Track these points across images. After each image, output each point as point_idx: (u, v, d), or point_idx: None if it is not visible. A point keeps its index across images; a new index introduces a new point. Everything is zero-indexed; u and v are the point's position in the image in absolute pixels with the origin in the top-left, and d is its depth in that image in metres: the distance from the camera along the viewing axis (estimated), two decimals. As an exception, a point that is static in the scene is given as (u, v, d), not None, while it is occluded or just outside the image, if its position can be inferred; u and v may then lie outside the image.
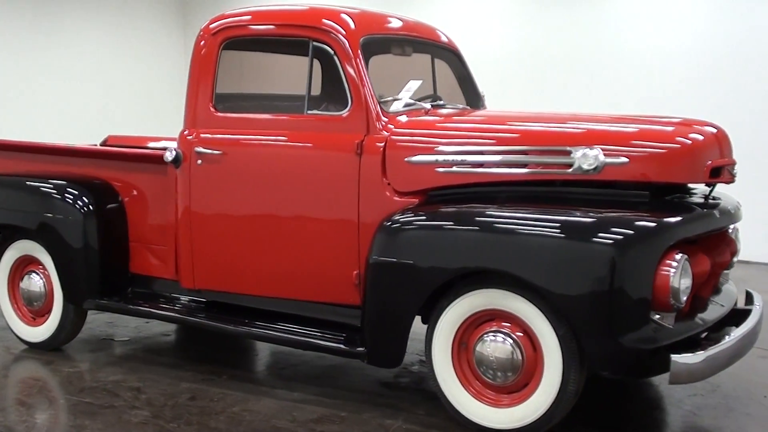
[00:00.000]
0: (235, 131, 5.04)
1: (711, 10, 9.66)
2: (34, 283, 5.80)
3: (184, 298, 5.50)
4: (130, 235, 5.63)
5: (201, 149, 5.07)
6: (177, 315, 5.29)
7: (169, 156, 5.12)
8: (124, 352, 5.82)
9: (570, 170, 4.33)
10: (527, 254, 4.10)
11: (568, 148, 4.33)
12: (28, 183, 5.75)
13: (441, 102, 5.29)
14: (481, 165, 4.51)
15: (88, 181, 5.65)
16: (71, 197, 5.54)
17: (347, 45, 4.77)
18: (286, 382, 5.14)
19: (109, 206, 5.59)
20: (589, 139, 4.37)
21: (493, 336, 4.26)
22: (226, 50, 5.13)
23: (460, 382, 4.38)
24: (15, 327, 5.94)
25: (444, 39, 5.74)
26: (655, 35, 9.99)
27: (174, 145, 5.21)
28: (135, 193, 5.61)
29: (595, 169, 4.28)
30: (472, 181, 4.55)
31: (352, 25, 4.87)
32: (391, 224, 4.45)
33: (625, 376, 4.26)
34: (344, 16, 4.91)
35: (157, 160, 5.40)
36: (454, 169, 4.55)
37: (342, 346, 4.65)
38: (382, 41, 5.11)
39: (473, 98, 5.77)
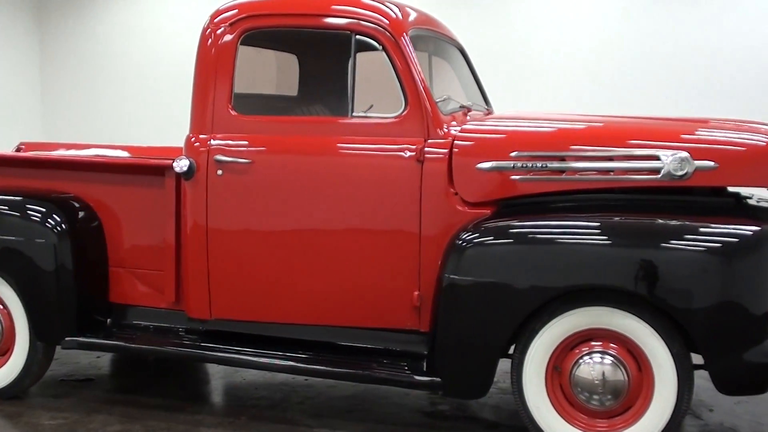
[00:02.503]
0: (263, 136, 4.37)
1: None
2: (-17, 321, 4.84)
3: (178, 329, 4.76)
4: (109, 259, 4.81)
5: (222, 158, 4.37)
6: (187, 350, 4.56)
7: (182, 166, 4.38)
8: (101, 395, 4.97)
9: (659, 176, 4.03)
10: (645, 269, 3.78)
11: (657, 153, 4.03)
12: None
13: (469, 104, 4.86)
14: (562, 172, 4.13)
15: (57, 197, 4.78)
16: (40, 216, 4.67)
17: (399, 39, 4.24)
18: (319, 419, 4.57)
19: (84, 226, 4.75)
20: (677, 143, 4.08)
21: (598, 357, 3.90)
22: (246, 44, 4.45)
23: (556, 410, 3.98)
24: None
25: (455, 36, 5.31)
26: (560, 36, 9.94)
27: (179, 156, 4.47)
28: (116, 209, 4.81)
29: (685, 174, 4.00)
30: (551, 189, 4.16)
31: (400, 17, 4.35)
32: (474, 239, 3.98)
33: (747, 392, 4.01)
34: (390, 6, 4.39)
35: (149, 170, 4.65)
36: (531, 176, 4.14)
37: (413, 377, 4.13)
38: (425, 37, 4.62)
39: (483, 99, 5.37)
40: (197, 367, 5.47)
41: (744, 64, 9.28)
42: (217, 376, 5.31)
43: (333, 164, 4.31)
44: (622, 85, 9.63)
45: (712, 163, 4.01)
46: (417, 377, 4.14)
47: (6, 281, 4.77)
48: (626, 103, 9.28)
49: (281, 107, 4.82)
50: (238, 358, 4.44)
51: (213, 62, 4.44)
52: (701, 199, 4.14)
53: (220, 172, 4.37)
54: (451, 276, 3.99)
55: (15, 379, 4.82)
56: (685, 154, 4.01)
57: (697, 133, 4.22)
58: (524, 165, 4.14)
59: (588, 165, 4.12)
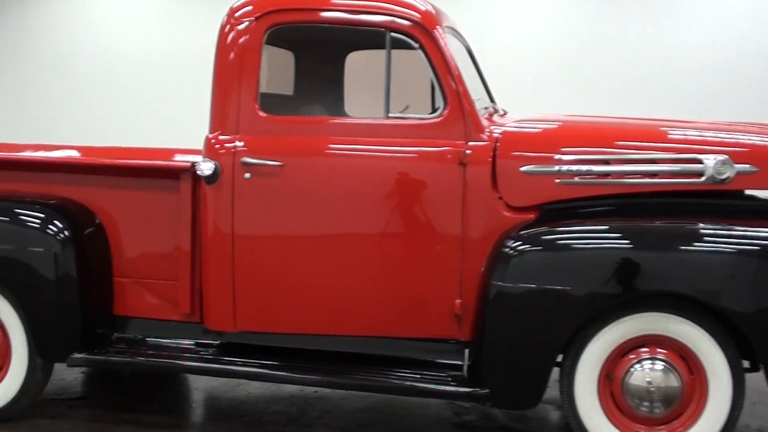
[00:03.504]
0: (295, 138, 4.14)
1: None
2: (-25, 337, 4.45)
3: (187, 343, 4.48)
4: (114, 269, 4.48)
5: (250, 160, 4.12)
6: (209, 365, 4.28)
7: (206, 169, 4.11)
8: (101, 415, 4.64)
9: (702, 179, 3.99)
10: (703, 273, 3.73)
11: (700, 157, 3.99)
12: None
13: (494, 105, 4.75)
14: (606, 176, 4.04)
15: (56, 202, 4.43)
16: (40, 223, 4.33)
17: (437, 37, 4.09)
18: (346, 436, 4.34)
19: (87, 233, 4.41)
20: (719, 146, 4.05)
21: (652, 363, 3.83)
22: (272, 39, 4.21)
23: (608, 419, 3.89)
24: (-58, 398, 4.52)
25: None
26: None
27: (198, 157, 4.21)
28: (121, 215, 4.49)
29: (727, 178, 3.98)
30: (594, 193, 4.07)
31: (435, 14, 4.19)
32: (526, 244, 3.86)
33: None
34: (423, 3, 4.21)
35: (161, 173, 4.36)
36: (576, 180, 4.04)
37: (460, 389, 3.98)
38: (454, 35, 4.47)
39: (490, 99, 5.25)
40: (190, 380, 5.16)
41: (695, 65, 9.42)
42: (219, 390, 5.03)
43: (370, 167, 4.11)
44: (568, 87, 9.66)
45: (751, 167, 3.98)
46: (465, 389, 3.98)
47: (1, 294, 4.38)
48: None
49: (309, 107, 4.58)
50: (266, 373, 4.20)
51: (236, 59, 4.18)
52: (744, 202, 4.12)
53: (247, 175, 4.12)
54: (501, 283, 3.85)
55: (11, 399, 4.45)
56: (726, 157, 3.97)
57: (735, 136, 4.18)
58: (569, 169, 4.03)
59: (632, 168, 4.03)
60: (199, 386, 5.08)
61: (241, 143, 4.14)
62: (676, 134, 4.20)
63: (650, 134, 4.23)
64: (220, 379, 5.00)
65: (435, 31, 4.09)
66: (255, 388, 4.95)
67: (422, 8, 4.16)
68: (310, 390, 4.87)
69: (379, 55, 4.74)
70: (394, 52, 4.99)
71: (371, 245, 4.11)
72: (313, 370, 4.12)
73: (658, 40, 9.41)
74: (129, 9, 10.48)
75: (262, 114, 4.15)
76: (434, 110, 4.38)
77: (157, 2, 10.39)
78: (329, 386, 4.21)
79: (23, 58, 10.87)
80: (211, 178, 4.13)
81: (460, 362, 4.14)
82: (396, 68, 5.12)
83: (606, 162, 4.05)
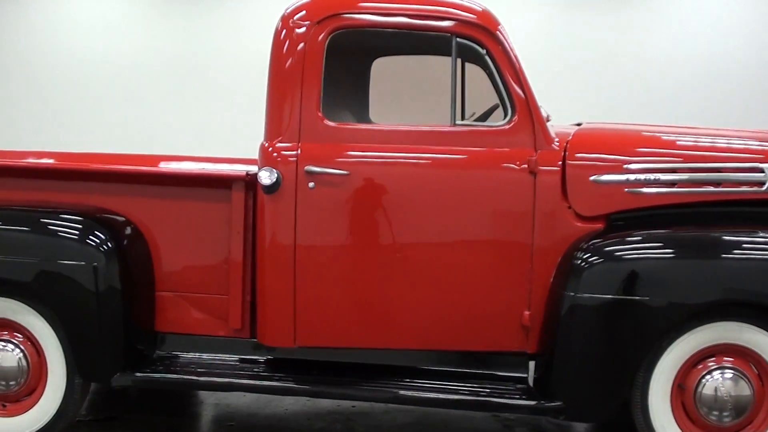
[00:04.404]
0: (361, 146, 4.01)
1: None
2: (7, 357, 4.17)
3: (232, 359, 4.29)
4: (156, 283, 4.27)
5: (314, 168, 3.97)
6: (270, 384, 4.10)
7: (270, 178, 3.94)
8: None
9: (763, 188, 4.03)
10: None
11: (762, 166, 4.02)
12: (21, 219, 4.13)
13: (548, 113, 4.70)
14: (672, 184, 4.04)
15: (97, 214, 4.20)
16: (82, 235, 4.08)
17: (504, 43, 4.03)
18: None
19: (130, 246, 4.19)
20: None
21: (723, 373, 3.83)
22: (334, 44, 4.07)
23: (682, 430, 3.88)
24: (-30, 420, 4.23)
25: None
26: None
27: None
28: (164, 227, 4.27)
29: None
30: (662, 202, 4.06)
31: (498, 20, 4.13)
32: (602, 255, 3.81)
33: None
34: (487, 9, 4.14)
35: (211, 183, 4.18)
36: (644, 189, 4.02)
37: (533, 403, 3.90)
38: None
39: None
40: (216, 397, 4.95)
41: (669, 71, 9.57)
42: (253, 407, 4.84)
43: (438, 176, 4.01)
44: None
45: None
46: (534, 402, 3.90)
47: (37, 311, 4.13)
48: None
49: (368, 114, 4.45)
50: (326, 390, 4.05)
51: (296, 65, 4.03)
52: None
53: (311, 184, 3.97)
54: (575, 294, 3.79)
55: (48, 422, 4.18)
56: None
57: None
58: (637, 178, 4.01)
59: (698, 177, 4.03)
60: (230, 402, 4.87)
61: (304, 151, 3.98)
62: (737, 144, 4.21)
63: (713, 143, 4.24)
64: (249, 395, 4.82)
65: (500, 34, 4.02)
66: (290, 404, 4.79)
67: (480, 10, 4.09)
68: (347, 405, 4.74)
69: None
70: (421, 58, 4.98)
71: (439, 256, 4.01)
72: (373, 386, 4.00)
73: (645, 47, 9.53)
74: (102, 13, 10.08)
75: (326, 122, 4.00)
76: (462, 118, 4.43)
77: (132, 6, 10.02)
78: (397, 401, 4.09)
79: None
80: (273, 188, 3.96)
81: (521, 375, 4.08)
82: (424, 74, 5.09)
83: (673, 171, 4.03)
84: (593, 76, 9.62)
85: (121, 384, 4.11)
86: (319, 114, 4.01)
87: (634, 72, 9.51)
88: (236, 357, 4.30)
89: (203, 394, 4.97)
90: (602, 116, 6.98)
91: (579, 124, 4.40)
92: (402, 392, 3.99)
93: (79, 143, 8.87)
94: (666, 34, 9.65)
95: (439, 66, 4.99)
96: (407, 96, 5.11)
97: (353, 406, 4.72)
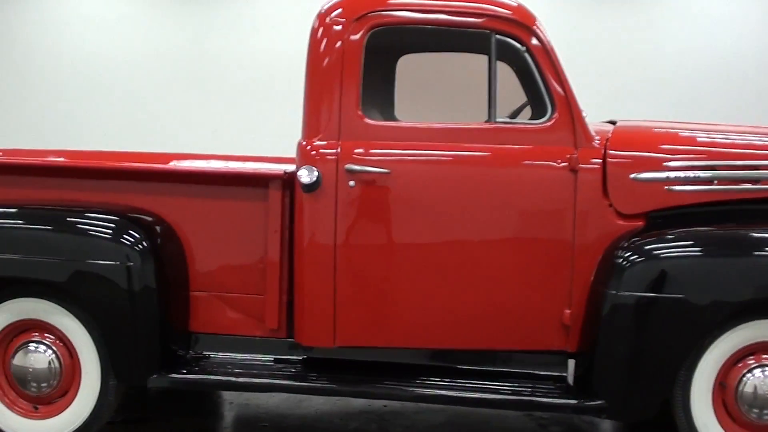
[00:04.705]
0: (402, 144, 3.98)
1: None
2: (39, 358, 4.12)
3: (266, 359, 4.26)
4: (191, 283, 4.22)
5: (355, 167, 3.93)
6: (309, 384, 4.06)
7: (310, 176, 3.90)
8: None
9: None
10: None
11: None
12: (53, 219, 4.07)
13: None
14: (711, 182, 4.03)
15: (131, 212, 4.16)
16: (116, 234, 4.03)
17: (543, 39, 4.01)
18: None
19: (164, 245, 4.14)
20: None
21: (763, 371, 3.82)
22: (372, 42, 4.03)
23: (723, 429, 3.87)
24: (3, 422, 4.18)
25: None
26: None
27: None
28: (198, 226, 4.22)
29: None
30: (701, 200, 4.05)
31: (534, 15, 4.10)
32: (644, 252, 3.80)
33: None
34: (522, 4, 4.12)
35: (247, 181, 4.14)
36: (685, 187, 4.01)
37: (576, 402, 3.89)
38: None
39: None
40: (245, 398, 4.91)
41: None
42: (283, 408, 4.81)
43: (480, 174, 3.98)
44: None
45: None
46: (575, 401, 3.89)
47: (70, 312, 4.08)
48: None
49: (397, 112, 4.43)
50: (366, 390, 4.02)
51: (335, 63, 3.99)
52: None
53: (352, 183, 3.94)
54: (617, 293, 3.78)
55: (81, 425, 4.14)
56: None
57: None
58: (677, 175, 4.00)
59: (737, 174, 4.02)
60: (260, 403, 4.84)
61: (344, 150, 3.94)
62: (771, 141, 4.21)
63: (750, 141, 4.23)
64: (278, 395, 4.78)
65: (538, 30, 4.00)
66: (320, 404, 4.75)
67: (516, 5, 4.07)
68: (378, 404, 4.71)
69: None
70: (448, 55, 4.95)
71: (479, 255, 3.98)
72: (414, 386, 3.97)
73: (651, 44, 9.51)
74: (107, 11, 9.96)
75: (366, 120, 3.96)
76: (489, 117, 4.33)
77: (136, 4, 9.92)
78: (440, 402, 4.04)
79: None
80: (312, 186, 3.92)
81: (559, 373, 4.07)
82: (449, 72, 5.06)
83: (712, 168, 4.02)
84: (605, 74, 9.60)
85: (158, 385, 4.06)
86: (359, 112, 3.98)
87: (646, 71, 9.50)
88: (271, 357, 4.26)
89: (230, 395, 4.93)
90: (614, 116, 6.96)
91: (612, 122, 4.38)
92: (444, 392, 3.96)
93: (89, 141, 8.80)
94: (679, 33, 9.63)
95: (464, 63, 5.00)
96: (431, 94, 5.08)
97: (384, 406, 4.69)
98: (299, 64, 8.45)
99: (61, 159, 4.87)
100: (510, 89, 5.01)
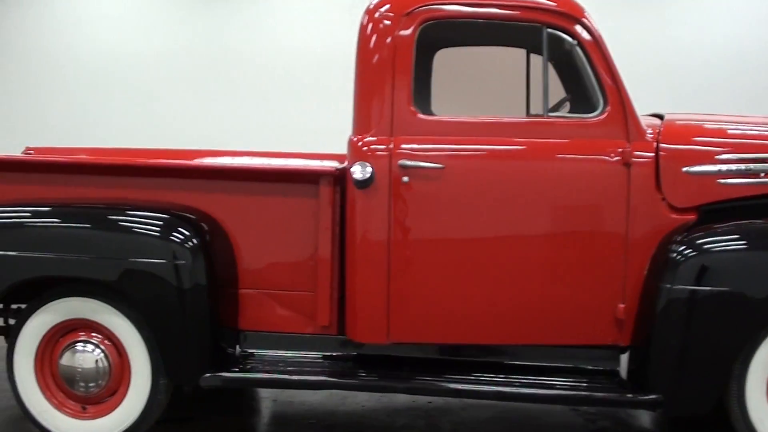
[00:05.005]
0: (455, 138, 3.97)
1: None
2: (87, 357, 4.09)
3: (316, 356, 4.24)
4: (240, 280, 4.19)
5: (409, 162, 3.91)
6: (365, 381, 4.04)
7: (364, 173, 3.88)
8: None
9: None
10: None
11: None
12: (101, 217, 4.03)
13: None
14: (757, 174, 4.02)
15: (179, 210, 4.13)
16: (169, 233, 3.99)
17: (595, 33, 3.99)
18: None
19: (214, 242, 4.11)
20: None
21: None
22: (424, 36, 4.01)
23: None
24: (52, 423, 4.14)
25: None
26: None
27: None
28: (247, 223, 4.19)
29: None
30: (752, 193, 4.04)
31: (583, 8, 4.09)
32: (702, 246, 3.79)
33: None
34: None
35: (297, 178, 4.12)
36: (736, 180, 4.00)
37: (632, 396, 3.88)
38: None
39: None
40: (285, 395, 4.88)
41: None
42: (328, 404, 4.77)
43: (534, 168, 3.97)
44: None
45: None
46: (631, 396, 3.88)
47: (120, 311, 4.04)
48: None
49: (434, 106, 4.41)
50: (422, 386, 4.00)
51: (386, 58, 3.97)
52: None
53: (406, 178, 3.91)
54: (672, 287, 3.76)
55: (132, 425, 4.11)
56: None
57: None
58: (729, 168, 3.99)
59: None
60: (304, 400, 4.81)
61: (397, 146, 3.92)
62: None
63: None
64: (321, 392, 4.76)
65: (588, 23, 3.99)
66: (365, 400, 4.74)
67: (577, 3, 4.05)
68: (423, 401, 4.69)
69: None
70: (485, 49, 4.93)
71: (533, 250, 3.97)
72: (485, 382, 3.96)
73: (672, 43, 9.48)
74: (118, 8, 9.88)
75: (420, 115, 3.95)
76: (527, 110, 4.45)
77: (155, 2, 9.85)
78: (497, 398, 4.01)
79: (9, 59, 10.14)
80: (366, 183, 3.90)
81: (608, 368, 4.06)
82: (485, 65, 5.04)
83: (763, 161, 4.01)
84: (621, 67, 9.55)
85: (210, 384, 4.02)
86: (412, 108, 3.96)
87: (660, 68, 9.47)
88: (320, 354, 4.24)
89: (271, 392, 4.90)
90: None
91: (658, 116, 4.36)
92: (499, 389, 3.95)
93: (107, 139, 8.70)
94: (693, 29, 9.60)
95: (497, 57, 4.99)
96: (465, 88, 5.06)
97: (429, 402, 4.68)
98: (318, 60, 8.46)
99: (106, 157, 4.83)
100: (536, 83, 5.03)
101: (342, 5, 9.12)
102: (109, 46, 9.65)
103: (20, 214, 4.13)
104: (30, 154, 5.34)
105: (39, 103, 9.85)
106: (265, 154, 5.28)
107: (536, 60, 4.93)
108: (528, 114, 3.99)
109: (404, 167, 3.91)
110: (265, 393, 4.88)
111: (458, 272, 3.96)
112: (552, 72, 4.84)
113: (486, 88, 4.96)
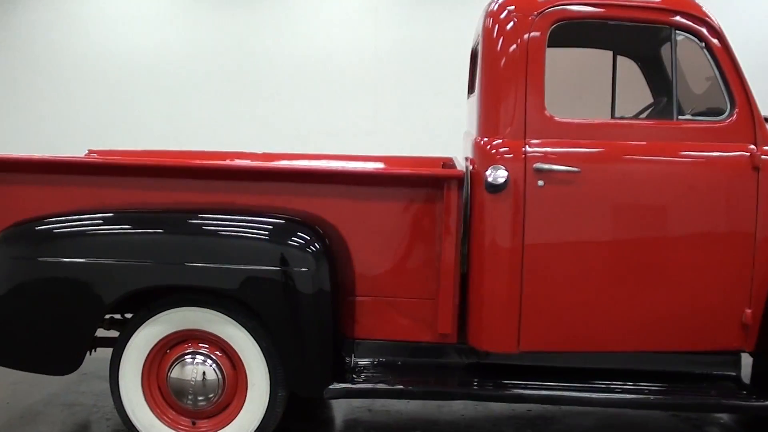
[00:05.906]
0: (591, 142, 3.89)
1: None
2: (200, 370, 3.92)
3: (431, 365, 4.14)
4: (357, 288, 4.05)
5: (544, 166, 3.82)
6: (494, 391, 3.94)
7: (499, 177, 3.78)
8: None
9: None
10: None
11: None
12: (215, 223, 3.86)
13: None
14: None
15: (297, 216, 3.98)
16: (289, 239, 3.84)
17: (723, 36, 3.96)
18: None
19: (333, 249, 3.96)
20: None
21: None
22: (554, 38, 3.93)
23: None
24: (162, 439, 3.95)
25: None
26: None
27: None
28: (364, 228, 4.05)
29: None
30: None
31: (707, 11, 4.05)
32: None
33: None
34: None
35: (421, 182, 4.00)
36: None
37: (756, 402, 3.86)
38: None
39: None
40: (376, 404, 4.77)
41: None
42: (426, 413, 4.65)
43: (667, 172, 3.91)
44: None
45: None
46: (763, 402, 3.85)
47: (235, 320, 3.87)
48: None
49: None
50: (558, 395, 3.91)
51: (516, 60, 3.87)
52: None
53: (541, 182, 3.82)
54: (806, 291, 3.75)
55: (251, 439, 3.92)
56: None
57: None
58: None
59: None
60: (400, 409, 4.68)
61: (533, 149, 3.83)
62: None
63: None
64: (413, 401, 4.64)
65: (717, 26, 3.95)
66: (461, 408, 4.66)
67: (694, 2, 4.00)
68: (522, 409, 4.60)
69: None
70: (567, 50, 4.87)
71: (667, 255, 3.91)
72: (617, 390, 3.90)
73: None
74: (126, 7, 9.57)
75: (555, 118, 3.86)
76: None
77: (176, 2, 9.56)
78: (627, 406, 3.93)
79: (15, 60, 9.74)
80: (501, 187, 3.80)
81: (731, 373, 4.04)
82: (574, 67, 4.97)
83: None
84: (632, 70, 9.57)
85: (334, 396, 3.88)
86: (545, 110, 3.86)
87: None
88: (434, 362, 4.12)
89: (365, 402, 4.74)
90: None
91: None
92: (622, 396, 3.90)
93: (127, 141, 8.47)
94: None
95: (580, 58, 4.93)
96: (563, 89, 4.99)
97: (528, 410, 4.58)
98: (342, 62, 8.28)
99: (214, 161, 4.65)
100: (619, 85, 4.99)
101: (367, 7, 8.99)
102: (139, 47, 9.37)
103: (123, 223, 3.93)
104: (94, 156, 5.11)
105: (63, 106, 9.55)
106: (342, 157, 5.14)
107: (623, 62, 4.91)
108: (674, 117, 3.90)
109: (539, 171, 3.82)
110: (357, 402, 4.72)
111: (594, 278, 3.88)
112: (638, 73, 4.83)
113: (570, 89, 4.88)
